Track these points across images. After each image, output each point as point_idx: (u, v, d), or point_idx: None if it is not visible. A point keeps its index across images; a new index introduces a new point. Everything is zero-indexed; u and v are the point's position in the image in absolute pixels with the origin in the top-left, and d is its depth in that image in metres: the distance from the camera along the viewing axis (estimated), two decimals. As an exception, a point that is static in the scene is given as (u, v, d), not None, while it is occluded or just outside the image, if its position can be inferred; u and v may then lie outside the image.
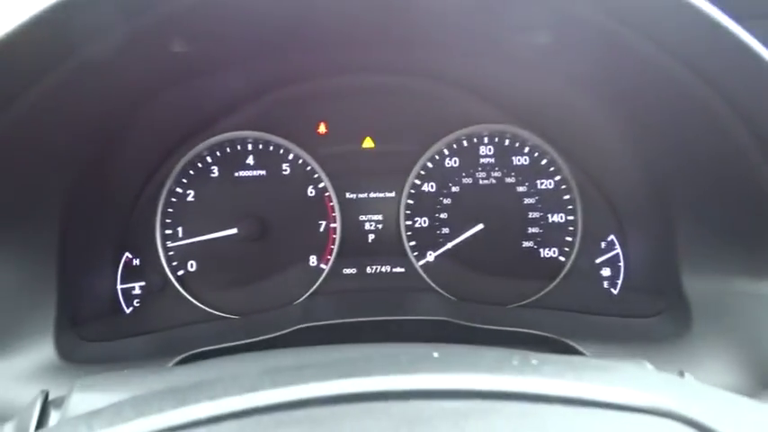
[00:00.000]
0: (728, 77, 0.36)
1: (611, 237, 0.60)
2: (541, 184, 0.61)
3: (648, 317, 0.52)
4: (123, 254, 0.59)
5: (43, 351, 0.46)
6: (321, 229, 0.61)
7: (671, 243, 0.49)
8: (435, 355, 0.30)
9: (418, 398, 0.26)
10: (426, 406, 0.26)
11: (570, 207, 0.61)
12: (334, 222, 0.61)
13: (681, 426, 0.27)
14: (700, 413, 0.27)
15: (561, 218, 0.61)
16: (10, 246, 0.46)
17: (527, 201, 0.61)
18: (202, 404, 0.26)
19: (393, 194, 0.62)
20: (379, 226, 0.62)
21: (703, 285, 0.46)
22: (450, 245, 0.60)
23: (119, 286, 0.58)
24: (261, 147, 0.61)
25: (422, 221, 0.61)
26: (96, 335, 0.51)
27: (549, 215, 0.61)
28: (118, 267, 0.59)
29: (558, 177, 0.61)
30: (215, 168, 0.60)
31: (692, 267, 0.48)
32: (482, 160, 0.62)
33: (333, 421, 0.25)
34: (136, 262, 0.59)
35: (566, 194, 0.61)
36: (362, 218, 0.62)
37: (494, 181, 0.61)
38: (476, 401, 0.26)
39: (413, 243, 0.61)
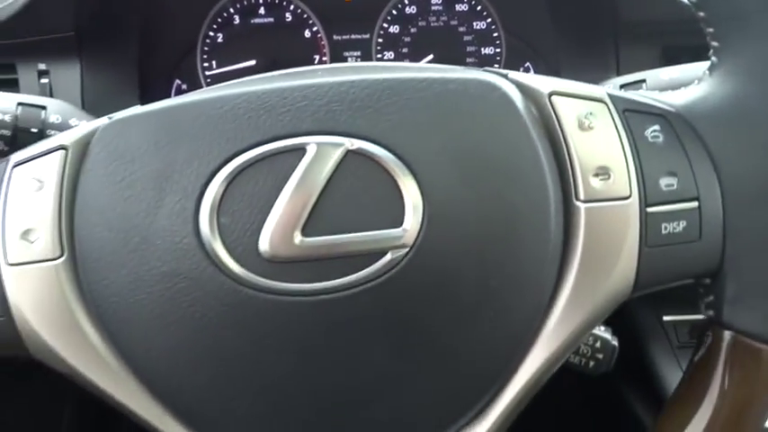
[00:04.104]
0: None
1: (528, 64, 0.83)
2: (476, 25, 0.83)
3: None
4: (175, 80, 0.83)
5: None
6: (315, 62, 0.84)
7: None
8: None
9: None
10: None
11: (498, 42, 0.83)
12: (326, 57, 0.84)
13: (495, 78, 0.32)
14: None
15: (491, 50, 0.84)
16: (104, 65, 0.70)
17: (466, 38, 0.84)
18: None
19: (368, 36, 0.84)
20: (358, 59, 0.85)
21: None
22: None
23: (173, 104, 0.83)
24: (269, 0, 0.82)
25: (389, 54, 0.84)
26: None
27: (482, 48, 0.83)
28: (171, 91, 0.83)
29: (489, 20, 0.83)
30: (236, 17, 0.82)
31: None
32: (433, 8, 0.83)
33: None
34: (184, 87, 0.83)
35: (494, 33, 0.83)
36: (346, 54, 0.84)
37: (441, 24, 0.84)
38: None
39: (383, 71, 0.84)
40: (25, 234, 0.31)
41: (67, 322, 0.31)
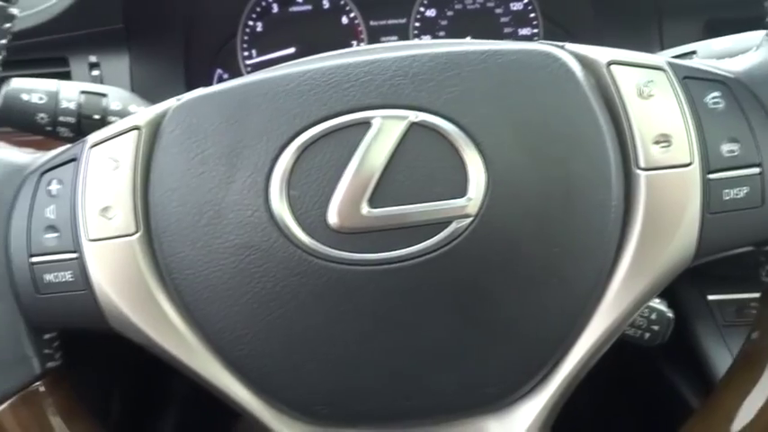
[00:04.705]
0: None
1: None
2: (513, 6, 0.83)
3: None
4: (216, 70, 0.84)
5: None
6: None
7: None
8: None
9: None
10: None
11: (535, 22, 0.83)
12: (363, 42, 0.84)
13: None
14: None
15: (528, 31, 0.83)
16: (151, 55, 0.72)
17: (503, 19, 0.83)
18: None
19: (404, 20, 0.84)
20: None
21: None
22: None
23: (215, 93, 0.85)
24: (307, -13, 0.83)
25: (426, 38, 0.84)
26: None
27: (519, 29, 0.83)
28: (213, 80, 0.85)
29: (525, 0, 0.83)
30: (275, 6, 0.84)
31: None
32: (470, -10, 0.84)
33: None
34: (225, 76, 0.85)
35: (531, 13, 0.83)
36: (383, 39, 0.85)
37: (478, 6, 0.84)
38: None
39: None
40: (104, 211, 0.33)
41: (143, 294, 0.33)
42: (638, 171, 0.32)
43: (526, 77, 0.32)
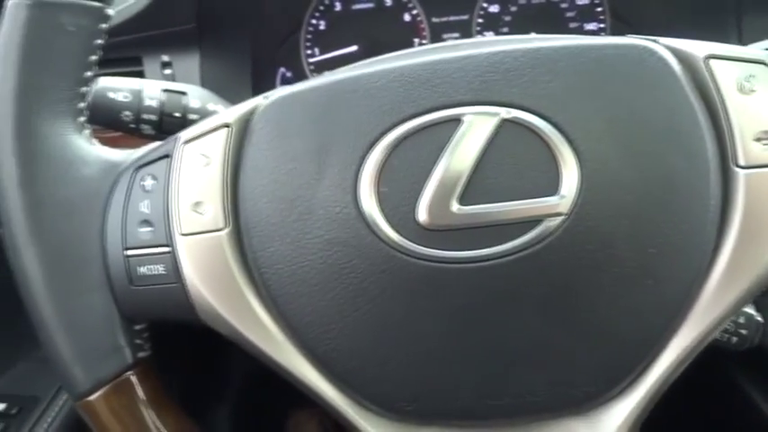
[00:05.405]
0: None
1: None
2: (579, 0, 0.81)
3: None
4: (279, 68, 0.86)
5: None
6: (415, 45, 0.84)
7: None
8: None
9: None
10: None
11: (602, 17, 0.81)
12: (425, 39, 0.84)
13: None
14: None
15: (594, 26, 0.81)
16: (221, 54, 0.73)
17: (568, 14, 0.82)
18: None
19: (467, 16, 0.84)
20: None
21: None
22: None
23: (278, 91, 0.86)
24: (370, -15, 0.84)
25: (489, 34, 0.83)
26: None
27: (585, 24, 0.81)
28: (276, 79, 0.86)
29: (592, -6, 0.81)
30: (337, 4, 0.84)
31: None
32: (534, -15, 0.82)
33: None
34: (288, 74, 0.86)
35: (598, 7, 0.81)
36: (445, 35, 0.84)
37: (543, 1, 0.82)
38: None
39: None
40: (195, 206, 0.33)
41: (231, 288, 0.33)
42: (737, 169, 0.31)
43: (621, 72, 0.31)
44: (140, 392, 0.36)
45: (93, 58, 0.36)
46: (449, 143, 0.31)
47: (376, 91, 0.32)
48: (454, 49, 0.32)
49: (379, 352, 0.32)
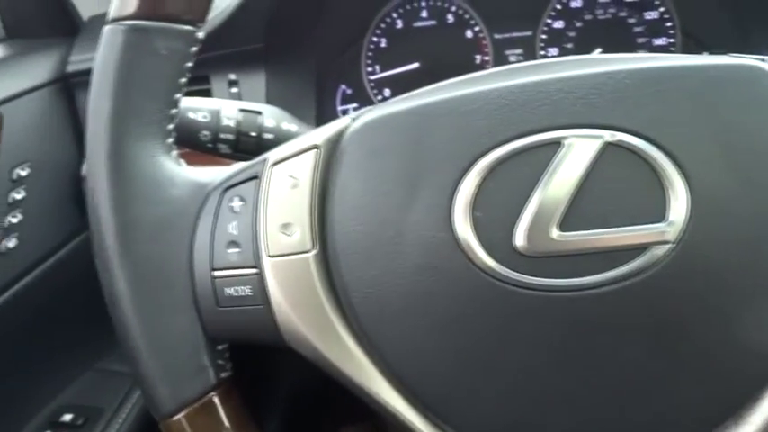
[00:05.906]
0: None
1: (705, 53, 0.78)
2: (648, 15, 0.79)
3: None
4: (340, 86, 0.86)
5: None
6: (477, 62, 0.84)
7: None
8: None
9: None
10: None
11: (672, 32, 0.79)
12: (488, 56, 0.83)
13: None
14: None
15: (664, 41, 0.79)
16: (286, 73, 0.74)
17: (636, 29, 0.80)
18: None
19: (530, 33, 0.83)
20: (521, 58, 0.84)
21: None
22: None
23: (338, 108, 0.86)
24: (431, 2, 0.83)
25: (552, 51, 0.82)
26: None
27: (654, 39, 0.79)
28: (336, 96, 0.86)
29: (662, 8, 0.78)
30: (399, 21, 0.84)
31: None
32: (599, 0, 0.80)
33: None
34: (348, 92, 0.86)
35: (668, 22, 0.78)
36: (507, 52, 0.83)
37: (609, 16, 0.80)
38: None
39: (546, 69, 0.83)
40: (284, 228, 0.33)
41: (316, 311, 0.33)
42: None
43: (730, 93, 0.29)
44: (222, 413, 0.36)
45: (183, 80, 0.37)
46: (549, 167, 0.30)
47: (472, 113, 0.31)
48: (550, 69, 0.32)
49: (470, 381, 0.31)
